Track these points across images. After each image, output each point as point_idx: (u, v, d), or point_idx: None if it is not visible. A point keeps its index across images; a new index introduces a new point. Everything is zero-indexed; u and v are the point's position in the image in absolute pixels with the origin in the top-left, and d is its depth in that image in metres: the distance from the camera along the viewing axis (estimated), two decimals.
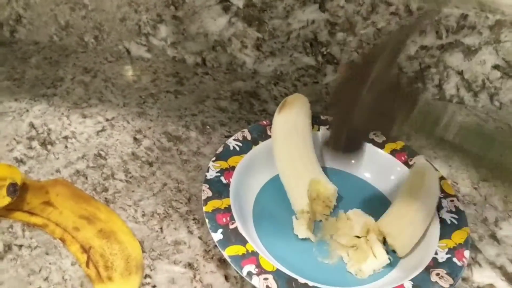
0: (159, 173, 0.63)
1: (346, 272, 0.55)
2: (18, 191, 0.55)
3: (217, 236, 0.53)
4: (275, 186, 0.62)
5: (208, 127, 0.71)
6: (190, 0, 0.74)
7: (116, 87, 0.76)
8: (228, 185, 0.58)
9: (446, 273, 0.52)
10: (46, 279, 0.52)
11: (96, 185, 0.61)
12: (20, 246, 0.55)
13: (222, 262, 0.54)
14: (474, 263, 0.58)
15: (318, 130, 0.66)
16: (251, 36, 0.77)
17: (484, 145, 0.48)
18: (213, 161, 0.60)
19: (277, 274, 0.51)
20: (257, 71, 0.80)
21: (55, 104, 0.72)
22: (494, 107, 0.79)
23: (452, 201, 0.59)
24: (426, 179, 0.59)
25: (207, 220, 0.54)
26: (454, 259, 0.53)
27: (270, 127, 0.65)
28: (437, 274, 0.52)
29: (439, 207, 0.58)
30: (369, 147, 0.65)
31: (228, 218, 0.55)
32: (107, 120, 0.70)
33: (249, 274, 0.50)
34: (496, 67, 0.75)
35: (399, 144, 0.65)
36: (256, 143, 0.64)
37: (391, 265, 0.56)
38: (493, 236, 0.61)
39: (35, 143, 0.66)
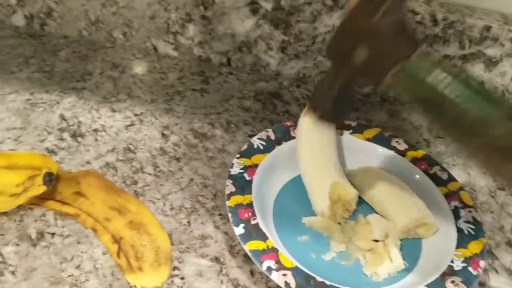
0: (186, 169, 0.65)
1: (362, 274, 0.56)
2: (54, 180, 0.57)
3: (239, 230, 0.54)
4: (295, 186, 0.64)
5: (232, 125, 0.72)
6: (220, 1, 0.75)
7: (144, 83, 0.77)
8: (250, 181, 0.60)
9: (461, 281, 0.53)
10: (78, 267, 0.54)
11: (126, 178, 0.63)
12: (53, 234, 0.56)
13: (247, 258, 0.56)
14: (491, 269, 0.59)
15: (341, 134, 0.68)
16: (277, 39, 0.78)
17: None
18: (237, 158, 0.62)
19: (296, 270, 0.52)
20: (280, 72, 0.82)
21: (85, 97, 0.73)
22: None
23: (470, 211, 0.60)
24: (370, 172, 0.65)
25: (229, 214, 0.56)
26: (470, 268, 0.54)
27: (294, 128, 0.66)
28: (452, 282, 0.52)
29: (456, 217, 0.59)
30: (390, 154, 0.66)
31: (249, 214, 0.56)
32: (135, 115, 0.71)
33: (269, 269, 0.51)
34: None
35: (420, 153, 0.66)
36: (280, 143, 0.65)
37: (407, 270, 0.57)
38: (510, 244, 0.62)
39: (66, 135, 0.67)
